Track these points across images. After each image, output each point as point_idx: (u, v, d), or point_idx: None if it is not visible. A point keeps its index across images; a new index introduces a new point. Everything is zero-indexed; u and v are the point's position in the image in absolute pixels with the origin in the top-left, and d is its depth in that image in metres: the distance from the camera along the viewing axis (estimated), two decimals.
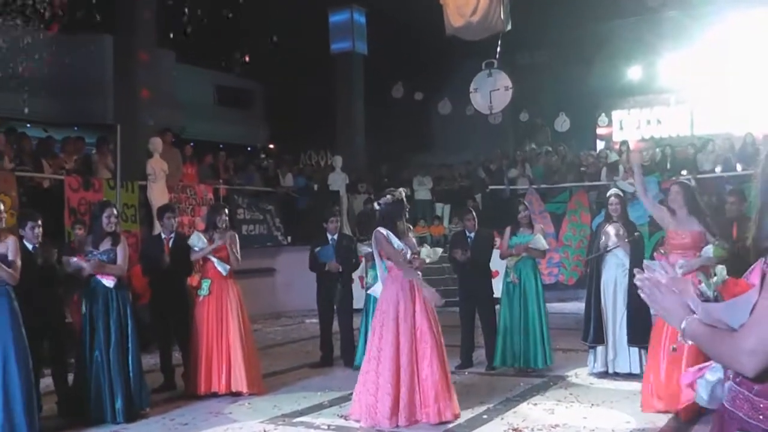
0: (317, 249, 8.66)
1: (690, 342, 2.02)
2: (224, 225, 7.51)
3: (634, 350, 7.30)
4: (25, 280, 5.77)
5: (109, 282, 6.40)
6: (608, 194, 7.72)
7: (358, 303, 8.83)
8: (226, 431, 6.05)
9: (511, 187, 15.51)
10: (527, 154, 17.35)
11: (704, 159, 14.30)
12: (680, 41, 16.96)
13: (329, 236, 8.68)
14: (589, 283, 7.74)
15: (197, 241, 7.36)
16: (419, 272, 6.32)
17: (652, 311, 6.11)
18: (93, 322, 6.34)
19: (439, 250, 6.95)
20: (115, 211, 6.67)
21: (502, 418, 6.15)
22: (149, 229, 10.71)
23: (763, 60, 16.02)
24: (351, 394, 6.37)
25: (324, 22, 18.87)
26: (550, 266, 13.58)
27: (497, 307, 8.33)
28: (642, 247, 7.67)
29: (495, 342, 8.11)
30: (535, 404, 6.61)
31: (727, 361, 1.93)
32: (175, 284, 7.67)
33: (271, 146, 21.48)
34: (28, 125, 14.45)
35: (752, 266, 2.04)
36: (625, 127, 19.93)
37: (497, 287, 8.47)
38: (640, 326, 7.07)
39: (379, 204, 6.46)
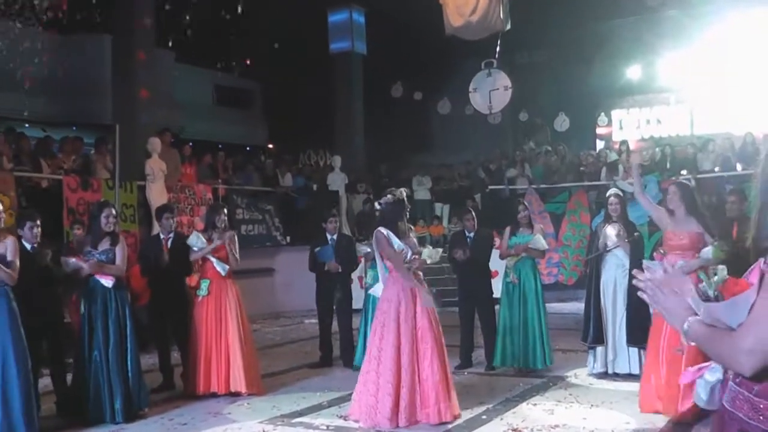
0: (317, 249, 8.66)
1: (692, 343, 2.01)
2: (223, 225, 7.51)
3: (634, 351, 7.28)
4: (23, 280, 5.76)
5: (107, 282, 6.39)
6: (608, 194, 7.70)
7: (357, 303, 8.82)
8: (224, 431, 6.04)
9: (511, 187, 15.49)
10: (527, 154, 17.33)
11: (704, 159, 14.29)
12: (680, 41, 16.94)
13: (328, 236, 8.67)
14: (589, 283, 7.73)
15: (196, 241, 7.35)
16: (420, 272, 6.30)
17: (651, 311, 6.05)
18: (92, 322, 6.34)
19: (440, 251, 6.94)
20: (113, 211, 6.67)
21: (501, 419, 6.14)
22: (148, 230, 10.71)
23: (763, 60, 16.00)
24: (350, 394, 6.36)
25: (323, 21, 18.88)
26: (549, 266, 13.56)
27: (497, 307, 8.32)
28: (642, 247, 7.66)
29: (494, 342, 8.10)
30: (535, 405, 6.60)
31: (726, 360, 1.93)
32: (174, 284, 7.67)
33: (270, 146, 21.49)
34: (27, 125, 14.44)
35: (752, 266, 2.04)
36: (625, 127, 19.92)
37: (497, 287, 8.46)
38: (640, 327, 7.04)
39: (379, 204, 6.45)
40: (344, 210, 14.95)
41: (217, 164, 14.09)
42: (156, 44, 13.87)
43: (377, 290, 6.49)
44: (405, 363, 5.89)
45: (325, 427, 6.01)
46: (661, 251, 6.55)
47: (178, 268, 7.60)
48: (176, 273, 7.65)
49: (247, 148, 20.75)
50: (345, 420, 6.15)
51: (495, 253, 8.56)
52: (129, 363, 6.40)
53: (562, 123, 18.01)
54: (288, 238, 14.10)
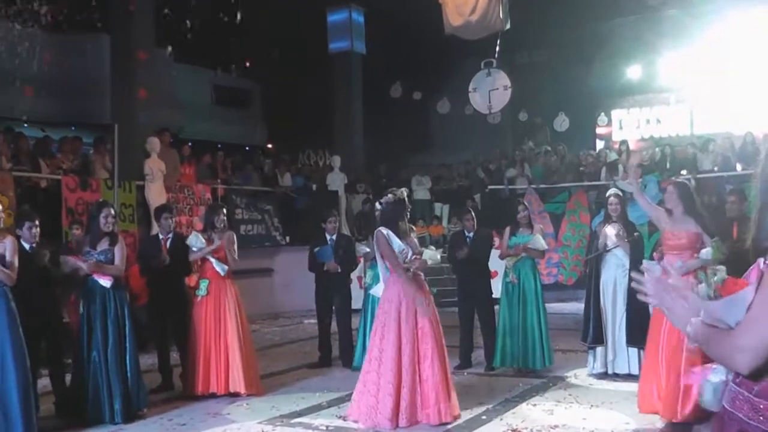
0: (316, 249, 8.64)
1: (695, 345, 2.01)
2: (222, 225, 7.49)
3: (634, 351, 7.26)
4: (22, 280, 5.75)
5: (106, 282, 6.37)
6: (607, 194, 7.69)
7: (356, 303, 8.81)
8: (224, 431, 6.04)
9: (510, 186, 15.48)
10: (526, 154, 17.32)
11: (704, 159, 14.28)
12: (680, 40, 16.93)
13: (328, 236, 8.66)
14: (589, 283, 7.72)
15: (195, 241, 7.34)
16: (421, 273, 6.28)
17: (650, 310, 6.02)
18: (90, 322, 6.33)
19: (439, 252, 6.92)
20: (112, 211, 6.65)
21: (501, 419, 6.13)
22: (147, 229, 10.70)
23: (763, 59, 15.99)
24: (349, 394, 6.35)
25: (322, 21, 18.86)
26: (549, 266, 13.56)
27: (496, 307, 8.31)
28: (641, 247, 7.65)
29: (494, 342, 8.08)
30: (535, 405, 6.59)
31: (724, 359, 1.94)
32: (173, 284, 7.66)
33: (270, 146, 21.47)
34: (26, 125, 14.43)
35: (752, 266, 2.04)
36: (625, 127, 19.90)
37: (496, 287, 8.44)
38: (640, 327, 7.02)
39: (380, 203, 6.44)
40: (343, 210, 14.94)
41: (216, 164, 14.08)
42: (155, 44, 13.85)
43: (378, 290, 6.47)
44: (406, 363, 5.88)
45: (324, 428, 6.00)
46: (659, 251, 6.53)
47: (177, 268, 7.59)
48: (175, 273, 7.64)
49: (246, 148, 20.74)
50: (344, 420, 6.14)
51: (494, 253, 8.55)
52: (128, 363, 6.39)
53: (561, 123, 17.99)
54: (287, 238, 14.09)
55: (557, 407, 6.48)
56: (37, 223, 6.47)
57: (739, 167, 13.17)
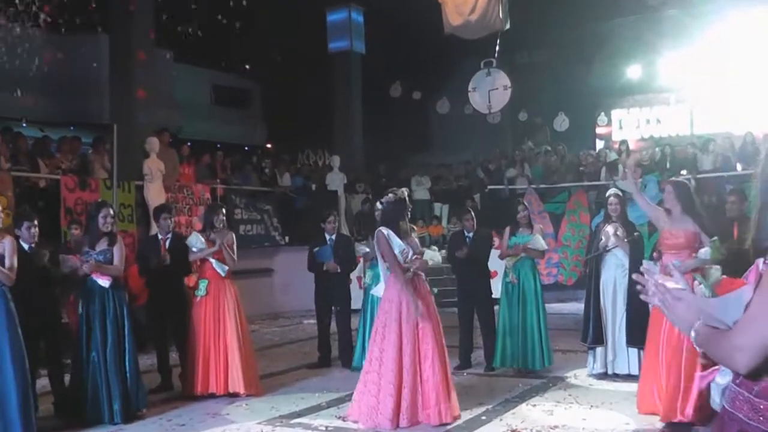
0: (315, 249, 8.63)
1: (700, 348, 2.01)
2: (222, 225, 7.48)
3: (633, 351, 7.25)
4: (21, 280, 5.74)
5: (104, 282, 6.36)
6: (607, 194, 7.68)
7: (356, 303, 8.80)
8: None
9: (510, 187, 15.47)
10: (526, 154, 17.32)
11: (704, 159, 14.27)
12: (680, 40, 16.92)
13: (327, 236, 8.65)
14: (588, 283, 7.71)
15: (196, 241, 7.33)
16: (422, 273, 6.27)
17: (650, 310, 5.99)
18: (89, 322, 6.32)
19: (441, 253, 6.90)
20: (111, 211, 6.63)
21: (500, 420, 6.12)
22: (146, 229, 10.69)
23: (763, 59, 15.98)
24: (349, 395, 6.34)
25: (322, 21, 18.86)
26: (549, 266, 13.55)
27: (496, 307, 8.30)
28: (641, 247, 7.64)
29: (494, 343, 8.07)
30: (534, 405, 6.58)
31: (724, 359, 1.94)
32: (172, 284, 7.65)
33: (269, 146, 21.45)
34: (25, 125, 14.42)
35: (751, 267, 2.04)
36: (625, 127, 19.89)
37: (496, 288, 8.44)
38: (640, 327, 7.00)
39: (381, 203, 6.42)
40: (343, 210, 14.93)
41: (215, 164, 14.06)
42: (154, 44, 13.84)
43: (379, 290, 6.45)
44: (407, 363, 5.87)
45: (323, 428, 5.99)
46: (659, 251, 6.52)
47: (176, 268, 7.58)
48: (175, 273, 7.63)
49: (246, 148, 20.73)
50: (344, 421, 6.13)
51: (494, 254, 8.54)
52: (127, 363, 6.38)
53: (561, 123, 17.99)
54: (286, 238, 14.08)
55: (557, 408, 6.47)
56: (35, 223, 6.47)
57: (739, 167, 13.16)
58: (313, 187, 15.79)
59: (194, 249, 7.33)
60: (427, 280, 6.35)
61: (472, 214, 8.59)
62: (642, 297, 2.14)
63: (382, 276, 6.36)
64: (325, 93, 19.15)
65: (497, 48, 12.22)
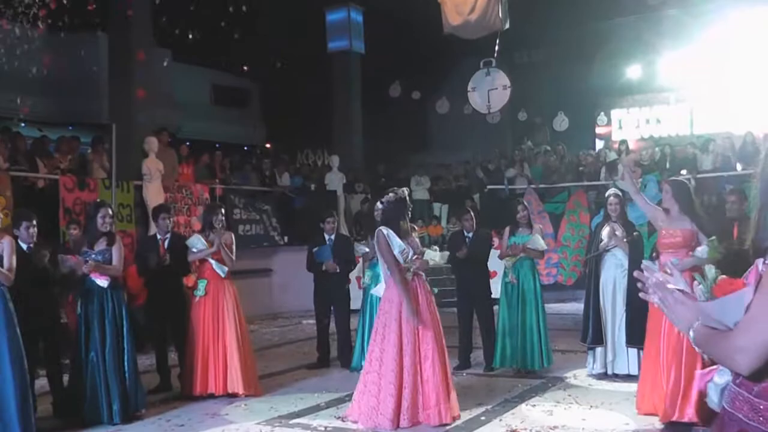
0: (314, 249, 8.62)
1: (699, 349, 2.00)
2: (221, 225, 7.47)
3: (633, 351, 7.25)
4: (20, 280, 5.74)
5: (103, 282, 6.35)
6: (607, 194, 7.67)
7: (355, 303, 8.79)
8: None
9: (510, 186, 15.45)
10: (525, 154, 17.29)
11: (704, 158, 14.26)
12: (680, 40, 16.92)
13: (326, 236, 8.64)
14: (588, 283, 7.70)
15: (196, 242, 7.31)
16: (422, 273, 6.25)
17: (649, 309, 5.96)
18: (88, 322, 6.31)
19: (446, 254, 6.88)
20: (110, 211, 6.63)
21: (500, 420, 6.11)
22: (145, 230, 10.68)
23: (763, 59, 15.97)
24: (348, 395, 6.33)
25: (321, 20, 18.84)
26: (548, 267, 13.54)
27: (495, 307, 8.29)
28: (641, 246, 7.63)
29: (493, 343, 8.07)
30: (534, 405, 6.58)
31: (724, 360, 1.93)
32: (171, 285, 7.63)
33: (268, 146, 21.43)
34: (23, 124, 14.38)
35: (751, 267, 2.03)
36: (625, 127, 19.87)
37: (495, 288, 8.43)
38: (639, 327, 6.99)
39: (381, 203, 6.41)
40: (342, 210, 14.92)
41: (214, 164, 14.04)
42: (153, 43, 13.82)
43: (379, 290, 6.44)
44: (407, 364, 5.86)
45: (322, 428, 5.99)
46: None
47: (176, 268, 7.56)
48: (173, 273, 7.61)
49: (245, 148, 20.72)
50: (343, 421, 6.13)
51: (494, 254, 8.54)
52: (126, 364, 6.37)
53: (561, 122, 17.97)
54: (285, 238, 14.06)
55: (556, 408, 6.46)
56: (34, 223, 6.45)
57: (739, 167, 13.15)
58: (312, 187, 15.77)
59: (194, 250, 7.32)
60: (426, 280, 6.34)
61: (472, 214, 8.58)
62: (641, 295, 2.13)
63: (382, 276, 6.35)
64: (324, 93, 19.14)
65: (497, 48, 12.19)
